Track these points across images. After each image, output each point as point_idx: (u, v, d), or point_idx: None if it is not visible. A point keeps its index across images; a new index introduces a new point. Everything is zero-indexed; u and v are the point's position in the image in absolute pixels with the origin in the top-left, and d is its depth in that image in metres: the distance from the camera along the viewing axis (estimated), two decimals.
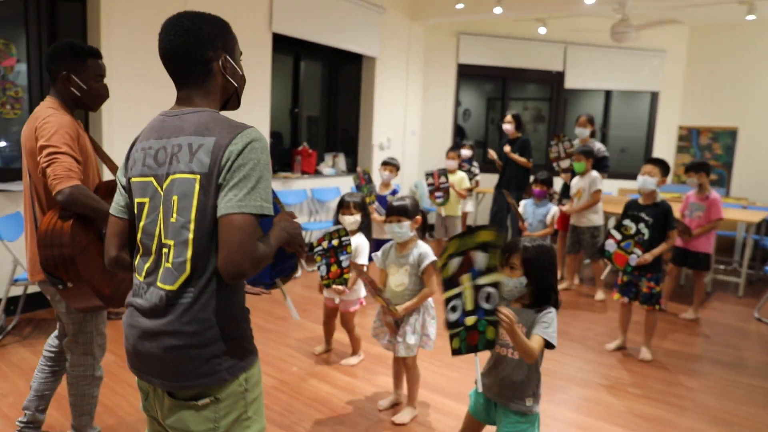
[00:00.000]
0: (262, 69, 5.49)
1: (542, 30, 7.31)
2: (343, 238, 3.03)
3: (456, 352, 1.83)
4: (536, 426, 2.00)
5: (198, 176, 1.24)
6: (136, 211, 1.35)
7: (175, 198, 1.26)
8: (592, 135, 5.65)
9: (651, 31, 7.05)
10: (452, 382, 3.20)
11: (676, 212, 4.25)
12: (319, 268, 3.11)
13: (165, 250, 1.28)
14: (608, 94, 8.30)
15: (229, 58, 1.39)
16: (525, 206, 4.53)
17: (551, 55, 7.97)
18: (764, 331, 4.43)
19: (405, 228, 2.63)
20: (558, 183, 5.62)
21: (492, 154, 6.11)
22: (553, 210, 4.40)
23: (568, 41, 7.91)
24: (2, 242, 3.48)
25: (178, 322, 1.25)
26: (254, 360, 1.39)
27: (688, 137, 8.07)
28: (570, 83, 8.07)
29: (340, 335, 3.64)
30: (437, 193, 5.36)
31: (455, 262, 1.78)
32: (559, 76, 8.09)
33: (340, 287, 3.11)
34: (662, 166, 3.68)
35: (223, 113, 1.39)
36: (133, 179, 1.35)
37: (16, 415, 2.50)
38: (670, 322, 4.50)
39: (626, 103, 8.47)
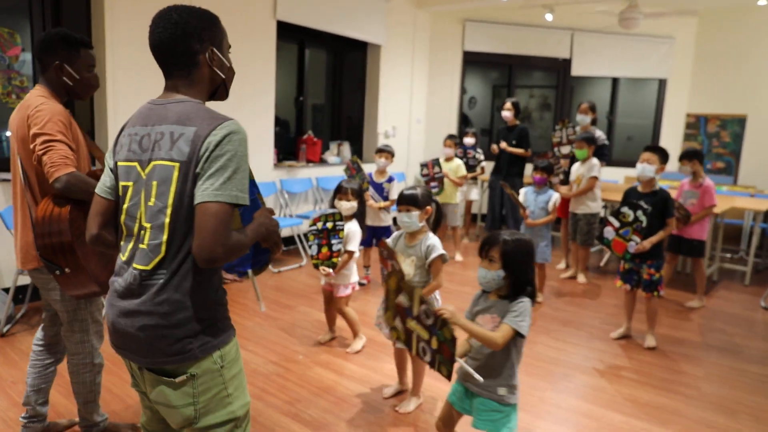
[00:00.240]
0: (266, 57, 5.47)
1: (549, 16, 7.23)
2: (338, 223, 3.14)
3: (448, 376, 1.88)
4: (512, 417, 2.01)
5: (177, 164, 1.31)
6: (120, 194, 1.42)
7: (154, 183, 1.33)
8: (593, 122, 5.68)
9: (660, 18, 6.96)
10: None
11: None
12: (310, 247, 3.24)
13: (142, 232, 1.35)
14: (615, 81, 8.22)
15: (216, 51, 1.44)
16: (526, 194, 4.52)
17: (558, 42, 7.89)
18: None
19: (414, 218, 2.60)
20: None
21: (495, 148, 6.12)
22: (555, 197, 4.39)
23: (575, 28, 7.83)
24: (9, 232, 3.50)
25: (151, 303, 1.32)
26: (228, 339, 1.43)
27: (695, 125, 7.99)
28: (577, 70, 8.00)
29: (342, 323, 3.66)
30: (432, 183, 5.42)
31: (398, 324, 1.96)
32: (566, 64, 8.01)
33: (328, 269, 3.22)
34: (661, 153, 3.67)
35: (210, 104, 1.45)
36: (120, 163, 1.42)
37: None
38: (676, 311, 4.50)
39: (633, 91, 8.40)
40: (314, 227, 3.18)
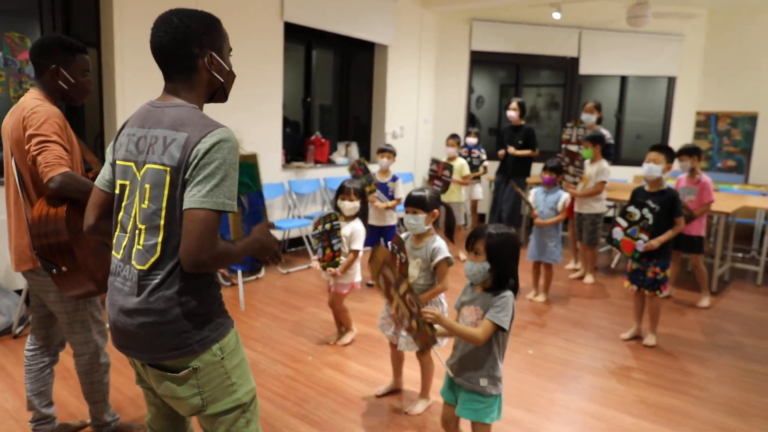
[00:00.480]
0: (274, 59, 5.49)
1: (556, 15, 7.20)
2: (334, 223, 3.18)
3: (421, 350, 2.02)
4: (494, 408, 2.06)
5: (168, 168, 1.34)
6: (117, 191, 1.46)
7: (147, 186, 1.37)
8: (599, 121, 5.70)
9: (669, 17, 6.90)
10: None
11: None
12: (316, 251, 3.30)
13: (137, 232, 1.39)
14: (624, 79, 8.17)
15: (216, 55, 1.46)
16: (536, 194, 4.52)
17: (565, 40, 7.86)
18: None
19: (420, 220, 2.60)
20: None
21: (502, 154, 6.15)
22: (564, 197, 4.38)
23: (583, 26, 7.79)
24: None
25: (147, 301, 1.37)
26: (226, 331, 1.47)
27: (706, 123, 7.92)
28: (585, 69, 7.95)
29: (358, 323, 3.66)
30: (436, 182, 5.44)
31: (381, 282, 1.96)
32: (574, 62, 7.97)
33: (333, 269, 3.29)
34: (667, 152, 3.66)
35: (215, 105, 1.50)
36: (118, 162, 1.47)
37: None
38: (686, 311, 4.47)
39: (642, 89, 8.34)
40: (316, 231, 3.23)
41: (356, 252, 3.37)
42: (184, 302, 1.38)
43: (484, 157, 6.57)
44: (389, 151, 4.91)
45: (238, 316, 3.98)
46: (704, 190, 4.50)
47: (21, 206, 2.10)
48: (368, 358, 3.40)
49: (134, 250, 1.40)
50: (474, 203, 6.73)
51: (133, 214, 1.40)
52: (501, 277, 2.01)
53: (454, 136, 5.81)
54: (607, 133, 5.68)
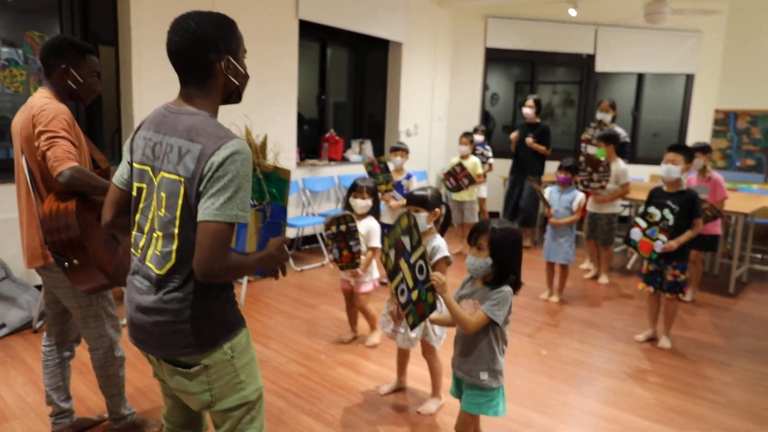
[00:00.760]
0: (288, 56, 5.50)
1: (573, 12, 7.13)
2: (350, 225, 3.14)
3: (413, 326, 2.02)
4: (497, 401, 2.07)
5: (182, 179, 1.36)
6: (135, 194, 1.49)
7: (163, 195, 1.40)
8: (613, 120, 5.65)
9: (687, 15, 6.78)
10: None
11: None
12: (331, 251, 3.26)
13: (155, 236, 1.43)
14: (641, 77, 8.06)
15: (232, 59, 1.46)
16: (551, 193, 4.49)
17: (581, 37, 7.78)
18: None
19: (422, 219, 2.61)
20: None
21: (515, 135, 6.12)
22: (579, 196, 4.36)
23: (599, 23, 7.70)
24: None
25: (162, 301, 1.41)
26: (237, 331, 1.51)
27: (724, 121, 7.80)
28: (601, 66, 7.87)
29: (364, 321, 3.67)
30: (451, 179, 5.47)
31: (392, 254, 1.98)
32: (590, 59, 7.89)
33: (354, 270, 3.28)
34: (685, 152, 3.62)
35: (224, 107, 1.52)
36: (135, 164, 1.49)
37: None
38: (702, 314, 4.42)
39: (659, 86, 8.23)
40: (329, 231, 3.20)
41: (375, 249, 3.38)
42: (198, 304, 1.42)
43: (489, 154, 6.58)
44: (403, 150, 4.91)
45: (252, 314, 4.01)
46: (717, 188, 4.47)
47: (32, 204, 2.14)
48: (381, 356, 3.41)
49: (151, 253, 1.43)
50: (481, 201, 6.71)
51: (150, 218, 1.43)
52: (502, 272, 2.03)
53: (467, 134, 5.81)
54: (622, 132, 5.64)
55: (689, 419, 2.81)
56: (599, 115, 5.65)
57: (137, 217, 1.48)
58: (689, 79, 7.93)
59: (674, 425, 2.74)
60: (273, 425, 2.59)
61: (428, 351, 2.77)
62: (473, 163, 5.75)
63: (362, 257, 3.31)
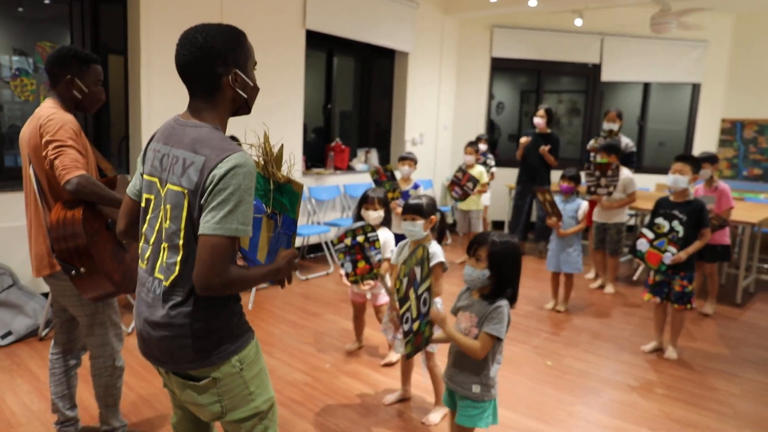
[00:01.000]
0: (295, 66, 5.54)
1: (578, 21, 7.14)
2: (369, 234, 3.03)
3: (408, 356, 2.01)
4: (489, 413, 2.07)
5: (186, 191, 1.37)
6: (143, 204, 1.50)
7: (168, 206, 1.40)
8: (620, 129, 5.66)
9: (693, 21, 6.79)
10: None
11: None
12: (342, 265, 3.08)
13: (163, 246, 1.43)
14: (647, 86, 8.07)
15: (240, 73, 1.45)
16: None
17: (587, 46, 7.79)
18: None
19: (418, 227, 2.65)
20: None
21: (524, 140, 6.11)
22: (583, 205, 4.35)
23: (605, 32, 7.72)
24: None
25: (168, 316, 1.41)
26: (246, 343, 1.51)
27: (731, 130, 7.78)
28: (607, 76, 7.88)
29: (369, 331, 3.67)
30: (456, 188, 5.48)
31: (405, 282, 1.98)
32: (596, 69, 7.90)
33: (372, 282, 3.14)
34: (692, 162, 3.60)
35: (233, 119, 1.53)
36: (144, 176, 1.51)
37: None
38: (709, 325, 4.39)
39: (666, 96, 8.22)
40: (341, 245, 3.03)
41: (388, 260, 3.35)
42: (204, 318, 1.42)
43: (492, 163, 6.59)
44: (411, 159, 4.91)
45: (257, 323, 4.02)
46: (723, 197, 4.45)
47: (40, 213, 2.16)
48: (387, 367, 3.41)
49: (158, 264, 1.44)
50: (485, 209, 6.72)
51: (156, 229, 1.44)
52: (500, 285, 2.03)
53: (472, 144, 5.82)
54: (629, 142, 5.63)
55: (696, 431, 2.79)
56: (606, 125, 5.64)
57: (144, 228, 1.48)
58: (695, 88, 7.93)
59: None
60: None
61: (428, 358, 2.77)
62: (479, 172, 5.74)
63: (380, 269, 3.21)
